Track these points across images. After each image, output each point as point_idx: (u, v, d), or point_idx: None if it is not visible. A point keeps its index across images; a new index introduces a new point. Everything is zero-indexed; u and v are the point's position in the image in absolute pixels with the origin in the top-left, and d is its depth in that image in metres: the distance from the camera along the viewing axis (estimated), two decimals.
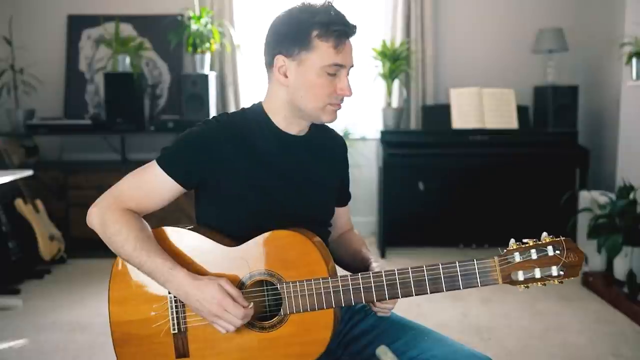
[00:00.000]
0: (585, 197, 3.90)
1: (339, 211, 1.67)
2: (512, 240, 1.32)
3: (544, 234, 1.30)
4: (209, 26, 4.46)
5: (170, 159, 1.44)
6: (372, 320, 1.54)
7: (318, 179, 1.54)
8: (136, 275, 1.43)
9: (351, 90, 1.44)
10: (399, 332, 1.48)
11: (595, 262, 3.73)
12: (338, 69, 1.42)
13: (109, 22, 4.60)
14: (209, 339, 1.40)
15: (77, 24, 4.80)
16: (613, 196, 3.61)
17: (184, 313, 1.41)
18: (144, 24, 4.77)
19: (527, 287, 1.29)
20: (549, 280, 1.28)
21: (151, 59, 4.80)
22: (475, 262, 1.32)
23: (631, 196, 3.46)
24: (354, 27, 1.43)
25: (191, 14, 4.44)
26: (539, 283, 1.29)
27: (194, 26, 4.41)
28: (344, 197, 1.69)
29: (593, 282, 3.61)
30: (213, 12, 4.61)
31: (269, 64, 1.46)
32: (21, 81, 4.56)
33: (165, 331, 1.42)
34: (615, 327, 3.11)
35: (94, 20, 4.72)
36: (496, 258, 1.31)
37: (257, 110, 1.51)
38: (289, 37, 1.42)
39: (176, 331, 1.42)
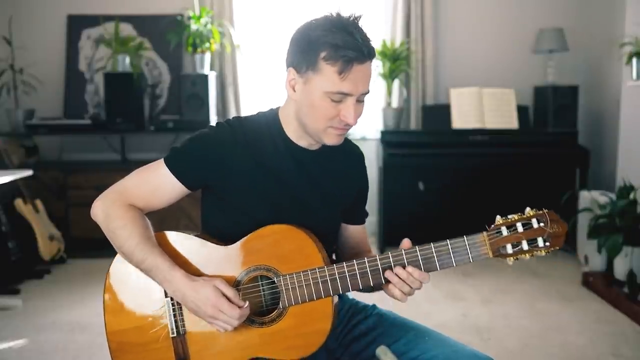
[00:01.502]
0: (586, 197, 3.90)
1: (355, 229, 1.61)
2: (498, 217, 1.35)
3: (527, 208, 1.34)
4: (209, 26, 4.45)
5: (178, 160, 1.43)
6: (372, 320, 1.54)
7: (326, 194, 1.50)
8: (131, 282, 1.43)
9: (356, 119, 1.36)
10: (400, 332, 1.48)
11: (596, 262, 3.73)
12: (343, 97, 1.34)
13: (108, 22, 4.60)
14: (209, 339, 1.40)
15: (77, 24, 4.80)
16: (613, 196, 3.61)
17: (182, 315, 1.41)
18: (144, 23, 4.77)
19: (517, 259, 1.33)
20: (537, 250, 1.32)
21: (151, 59, 4.80)
22: (465, 238, 1.34)
23: (631, 196, 3.45)
24: (369, 52, 1.33)
25: (191, 13, 4.43)
26: (527, 255, 1.33)
27: (193, 26, 4.41)
28: (358, 215, 1.61)
29: (593, 282, 3.61)
30: (213, 12, 4.61)
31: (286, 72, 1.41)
32: (21, 81, 4.56)
33: (164, 336, 1.42)
34: (616, 327, 3.11)
35: (94, 20, 4.72)
36: (485, 233, 1.34)
37: (272, 118, 1.47)
38: (299, 52, 1.35)
39: (175, 334, 1.41)
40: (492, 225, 1.34)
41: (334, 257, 1.62)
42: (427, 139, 4.42)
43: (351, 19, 1.35)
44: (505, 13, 4.85)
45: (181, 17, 4.54)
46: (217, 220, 1.49)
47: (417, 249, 1.35)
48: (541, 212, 1.32)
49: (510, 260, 1.33)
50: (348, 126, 1.39)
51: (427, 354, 1.41)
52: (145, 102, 4.67)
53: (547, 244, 1.31)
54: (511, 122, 4.42)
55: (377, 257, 1.36)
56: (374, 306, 1.59)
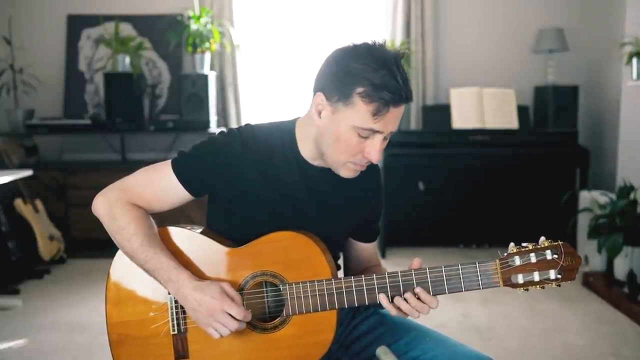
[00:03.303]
0: (586, 197, 3.90)
1: (365, 246, 1.59)
2: (512, 244, 1.32)
3: (542, 238, 1.31)
4: (209, 26, 4.45)
5: (185, 166, 1.42)
6: (373, 321, 1.54)
7: (336, 214, 1.47)
8: (134, 275, 1.42)
9: (379, 157, 1.33)
10: (400, 332, 1.48)
11: (596, 262, 3.72)
12: (371, 134, 1.31)
13: (108, 22, 4.60)
14: (209, 340, 1.39)
15: (77, 24, 4.80)
16: (613, 196, 3.61)
17: (184, 314, 1.40)
18: (144, 23, 4.76)
19: (527, 290, 1.31)
20: (547, 283, 1.30)
21: (151, 59, 4.80)
22: (477, 264, 1.32)
23: (631, 196, 3.45)
24: (407, 96, 1.28)
25: (191, 13, 4.43)
26: (538, 286, 1.30)
27: (193, 26, 4.41)
28: (370, 233, 1.58)
29: (593, 282, 3.61)
30: (213, 12, 4.60)
31: (313, 93, 1.36)
32: (21, 81, 4.56)
33: (164, 332, 1.41)
34: (616, 327, 3.11)
35: (94, 20, 4.72)
36: (498, 261, 1.32)
37: (288, 132, 1.43)
38: (333, 81, 1.30)
39: (176, 332, 1.41)
40: (505, 254, 1.32)
41: (339, 262, 1.61)
42: (427, 139, 4.41)
43: (395, 55, 1.29)
44: (506, 13, 4.84)
45: (181, 17, 4.54)
46: (222, 226, 1.48)
47: (428, 270, 1.34)
48: (556, 243, 1.29)
49: (520, 290, 1.31)
50: (369, 163, 1.37)
51: (427, 354, 1.41)
52: (145, 102, 4.68)
53: (559, 276, 1.28)
54: (511, 122, 4.42)
55: (386, 275, 1.35)
56: None
